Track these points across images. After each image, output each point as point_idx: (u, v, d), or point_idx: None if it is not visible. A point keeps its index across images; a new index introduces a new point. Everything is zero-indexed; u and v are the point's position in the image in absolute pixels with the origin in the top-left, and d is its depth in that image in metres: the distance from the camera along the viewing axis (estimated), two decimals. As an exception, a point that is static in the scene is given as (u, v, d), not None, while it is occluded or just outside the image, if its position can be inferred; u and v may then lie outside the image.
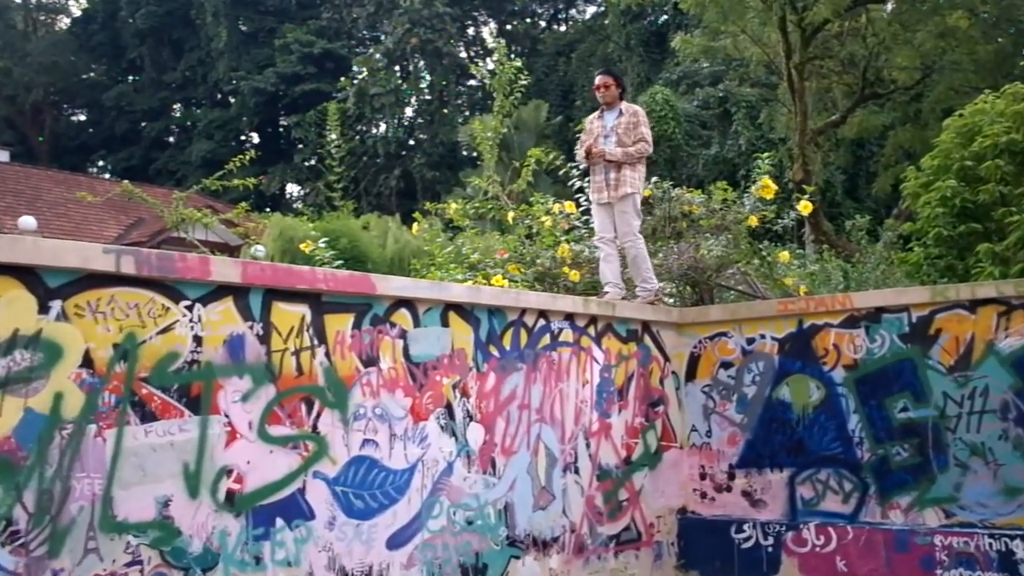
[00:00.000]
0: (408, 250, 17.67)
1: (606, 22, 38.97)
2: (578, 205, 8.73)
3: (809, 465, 6.32)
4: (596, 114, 7.46)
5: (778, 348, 6.52)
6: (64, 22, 52.16)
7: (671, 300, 7.86)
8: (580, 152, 7.40)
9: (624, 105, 7.37)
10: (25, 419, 3.63)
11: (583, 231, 8.67)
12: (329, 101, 22.47)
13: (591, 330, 6.34)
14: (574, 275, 7.89)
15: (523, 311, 5.86)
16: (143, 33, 45.80)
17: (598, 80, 7.47)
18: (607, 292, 7.14)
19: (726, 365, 6.78)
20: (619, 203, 7.21)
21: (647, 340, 6.77)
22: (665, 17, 35.42)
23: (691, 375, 6.92)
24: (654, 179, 8.69)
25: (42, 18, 51.07)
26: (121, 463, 3.90)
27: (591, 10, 46.11)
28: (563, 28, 47.52)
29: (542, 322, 5.98)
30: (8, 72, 45.23)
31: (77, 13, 51.55)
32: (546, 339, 5.99)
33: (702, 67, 30.67)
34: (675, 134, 27.39)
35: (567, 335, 6.14)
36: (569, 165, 9.15)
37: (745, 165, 23.64)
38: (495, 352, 5.63)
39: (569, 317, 6.19)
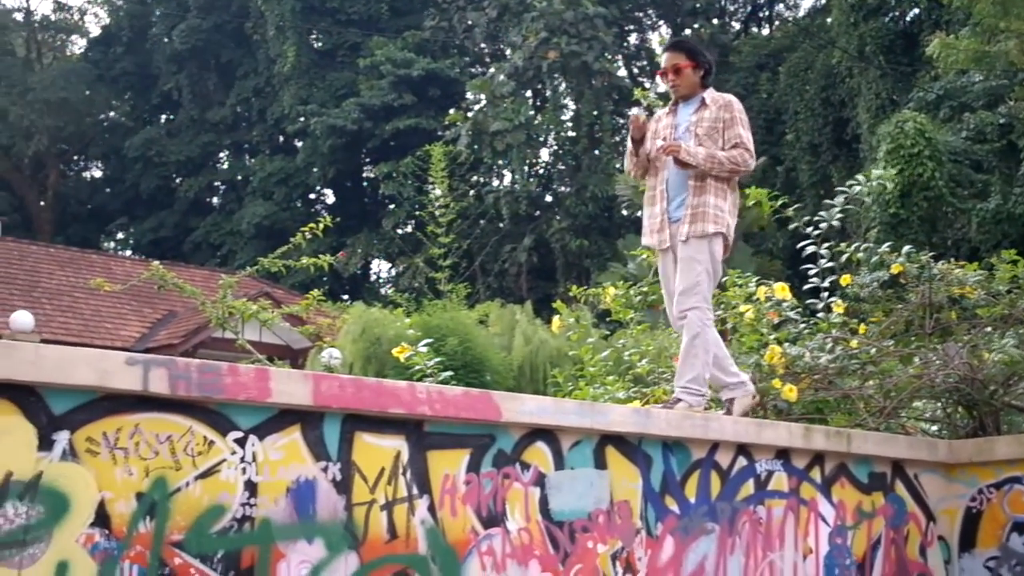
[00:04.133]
0: (544, 355, 17.74)
1: (828, 20, 38.95)
2: (794, 288, 8.64)
3: None
4: (665, 110, 7.10)
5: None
6: (78, 46, 55.21)
7: (935, 428, 7.66)
8: (629, 162, 7.00)
9: (709, 94, 6.90)
10: (17, 598, 3.76)
11: (802, 325, 8.57)
12: (433, 143, 22.95)
13: (815, 474, 6.24)
14: (789, 391, 7.77)
15: (714, 445, 5.82)
16: (181, 57, 48.00)
17: (664, 62, 6.99)
18: (679, 401, 6.54)
19: (1022, 528, 6.56)
20: (688, 246, 6.63)
21: (900, 489, 6.64)
22: (916, 11, 35.15)
23: (968, 542, 6.75)
24: (906, 249, 8.54)
25: (49, 39, 54.12)
26: (145, 663, 3.99)
27: (806, 4, 46.30)
28: (765, 31, 47.76)
29: (742, 462, 5.92)
30: (3, 114, 47.88)
31: (95, 32, 54.55)
32: (748, 487, 5.93)
33: (972, 82, 30.22)
34: (934, 180, 26.90)
35: (780, 481, 6.07)
36: (780, 224, 9.07)
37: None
38: (674, 506, 5.58)
39: (783, 454, 6.11)
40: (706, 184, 6.63)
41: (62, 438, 3.91)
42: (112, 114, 53.63)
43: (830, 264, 8.51)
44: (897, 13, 36.16)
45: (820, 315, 8.44)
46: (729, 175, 6.71)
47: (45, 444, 3.87)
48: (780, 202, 9.17)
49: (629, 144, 6.89)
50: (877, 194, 22.51)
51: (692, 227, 6.61)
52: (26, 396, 3.86)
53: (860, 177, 9.27)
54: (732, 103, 6.85)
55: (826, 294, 8.41)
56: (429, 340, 9.51)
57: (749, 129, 6.84)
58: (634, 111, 6.93)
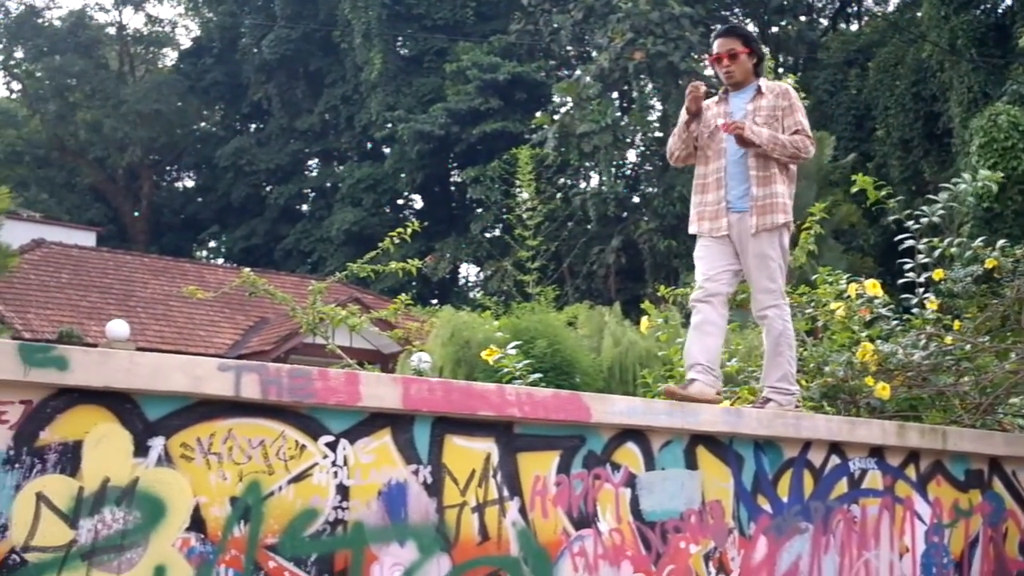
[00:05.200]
0: (634, 356, 17.69)
1: (918, 14, 38.45)
2: (886, 285, 8.55)
3: None
4: (715, 99, 6.85)
5: None
6: (169, 58, 56.12)
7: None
8: (677, 140, 6.72)
9: (764, 83, 6.74)
10: (116, 602, 3.82)
11: (894, 322, 8.48)
12: (520, 146, 23.03)
13: (910, 471, 6.18)
14: (883, 389, 7.68)
15: (807, 444, 5.78)
16: (270, 66, 48.60)
17: (718, 47, 6.75)
18: (693, 382, 6.33)
19: None
20: (759, 240, 6.45)
21: (997, 486, 6.56)
22: (1008, 3, 34.58)
23: (1071, 540, 6.60)
24: (1000, 243, 8.41)
25: (141, 52, 55.06)
26: (241, 665, 4.04)
27: (896, -1, 45.71)
28: (854, 27, 47.27)
29: (835, 460, 5.88)
30: (97, 126, 48.83)
31: (186, 44, 55.42)
32: (842, 486, 5.89)
33: (1069, 73, 29.72)
34: (1032, 175, 26.48)
35: (874, 479, 6.02)
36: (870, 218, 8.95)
37: None
38: (766, 506, 5.55)
39: (876, 452, 6.06)
40: (771, 174, 6.48)
41: (157, 444, 3.97)
42: (203, 124, 54.48)
43: (924, 260, 8.40)
44: (989, 5, 35.60)
45: (913, 311, 8.34)
46: (790, 160, 6.54)
47: (141, 450, 3.94)
48: (884, 192, 9.04)
49: (682, 118, 6.66)
50: (980, 193, 22.22)
51: (762, 219, 6.43)
52: (122, 403, 3.93)
53: (966, 175, 9.11)
54: (789, 91, 6.72)
55: (920, 290, 8.30)
56: (518, 343, 9.51)
57: (806, 116, 6.71)
58: (696, 82, 6.72)
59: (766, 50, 7.89)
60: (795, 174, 6.73)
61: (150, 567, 3.88)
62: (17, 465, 3.68)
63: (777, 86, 6.76)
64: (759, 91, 6.66)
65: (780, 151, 6.42)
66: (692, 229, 6.74)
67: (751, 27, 46.53)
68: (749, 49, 6.72)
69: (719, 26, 7.19)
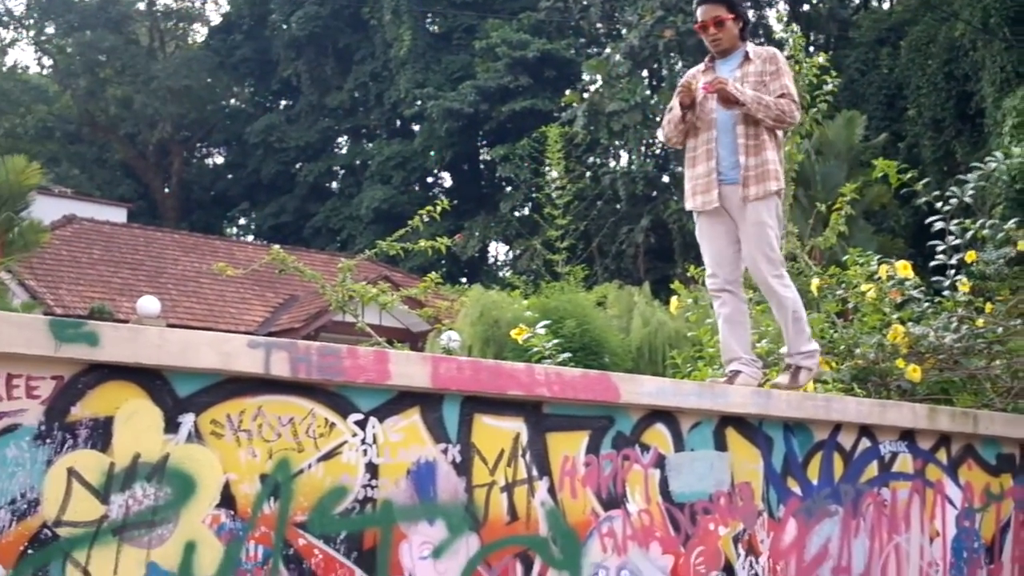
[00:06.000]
0: (663, 336, 17.63)
1: (951, -7, 38.19)
2: (917, 267, 8.50)
3: None
4: (700, 67, 6.72)
5: None
6: (199, 34, 56.27)
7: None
8: (673, 128, 6.58)
9: (751, 48, 6.55)
10: (147, 578, 3.85)
11: (925, 304, 8.44)
12: (549, 124, 22.94)
13: (941, 455, 6.16)
14: (913, 371, 7.65)
15: (837, 427, 5.77)
16: (299, 43, 48.55)
17: (702, 14, 6.58)
18: (739, 373, 6.29)
19: None
20: (753, 208, 6.28)
21: (1030, 470, 6.49)
22: (1043, -20, 34.29)
23: (1102, 525, 6.56)
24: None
25: (171, 28, 55.21)
26: (269, 642, 4.06)
27: (928, -23, 45.36)
28: (885, 6, 46.95)
29: (866, 443, 5.87)
30: (128, 102, 49.01)
31: (216, 20, 55.55)
32: (872, 469, 5.88)
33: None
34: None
35: (904, 463, 6.01)
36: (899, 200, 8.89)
37: None
38: (796, 488, 5.55)
39: (907, 435, 6.05)
40: (762, 141, 6.31)
41: (187, 420, 3.99)
42: (233, 101, 54.56)
43: (956, 241, 8.35)
44: (1022, -18, 35.30)
45: (945, 294, 8.29)
46: (774, 124, 6.32)
47: (171, 426, 3.96)
48: (909, 175, 8.98)
49: (676, 110, 6.53)
50: (1013, 174, 22.09)
51: (755, 188, 6.26)
52: (152, 379, 3.94)
53: (998, 154, 9.04)
54: (776, 55, 6.53)
55: (952, 272, 8.25)
56: (547, 322, 9.51)
57: (793, 81, 6.52)
58: (688, 76, 6.59)
59: (796, 28, 7.81)
60: (782, 140, 6.59)
61: (180, 543, 3.91)
62: (48, 440, 3.70)
63: (764, 51, 6.56)
64: (746, 57, 6.50)
65: (764, 112, 6.24)
66: (687, 206, 6.59)
67: (782, 5, 46.40)
68: (735, 15, 6.55)
69: None
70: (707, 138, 6.42)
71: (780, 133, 6.50)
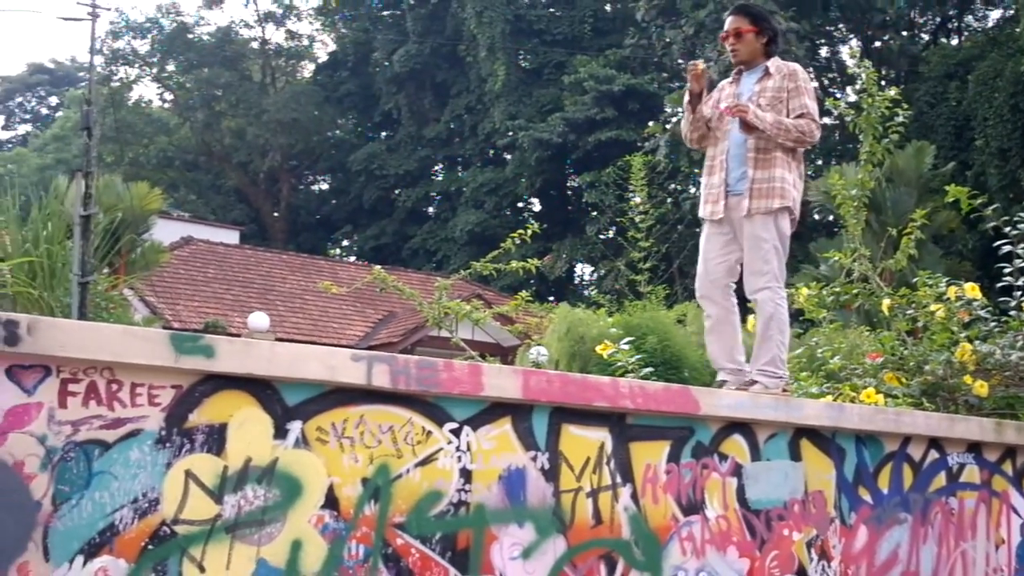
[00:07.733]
0: (740, 352, 17.54)
1: (1017, 30, 37.56)
2: (984, 288, 8.37)
3: None
4: (728, 80, 6.54)
5: None
6: (307, 70, 57.00)
7: None
8: (686, 123, 6.40)
9: (773, 63, 6.33)
10: (258, 573, 3.88)
11: (992, 324, 8.30)
12: (633, 153, 22.91)
13: (1007, 467, 6.05)
14: (980, 387, 7.53)
15: (907, 439, 5.69)
16: (400, 78, 49.02)
17: (727, 24, 6.44)
18: (724, 383, 6.15)
19: None
20: (756, 222, 6.09)
21: (1094, 483, 6.34)
22: (1108, 16, 33.69)
23: None
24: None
25: (281, 65, 55.99)
26: (370, 635, 4.08)
27: (995, 15, 44.70)
28: (955, 41, 46.33)
29: (934, 455, 5.79)
30: (241, 134, 49.81)
31: (323, 57, 56.22)
32: (940, 479, 5.80)
33: None
34: None
35: (971, 474, 5.92)
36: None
37: None
38: (867, 497, 5.48)
39: (974, 448, 5.96)
40: (772, 157, 6.09)
41: (295, 427, 4.02)
42: (338, 132, 55.11)
43: (1022, 264, 8.22)
44: (1087, 18, 34.72)
45: (1011, 314, 8.17)
46: (794, 144, 6.12)
47: (280, 433, 3.99)
48: (979, 201, 8.84)
49: (686, 100, 6.38)
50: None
51: (757, 202, 6.06)
52: (263, 389, 3.98)
53: None
54: (797, 72, 6.28)
55: (1018, 293, 8.13)
56: (630, 338, 9.49)
57: (815, 99, 6.27)
58: (694, 61, 6.39)
59: (868, 63, 7.70)
60: (802, 157, 6.37)
61: (287, 541, 3.94)
62: (168, 444, 3.75)
63: (786, 67, 6.33)
64: (767, 72, 6.29)
65: (784, 136, 6.04)
66: (699, 213, 6.50)
67: (855, 42, 45.98)
68: (757, 28, 6.36)
69: (735, 4, 6.82)
70: (723, 149, 6.27)
71: (800, 151, 6.29)
